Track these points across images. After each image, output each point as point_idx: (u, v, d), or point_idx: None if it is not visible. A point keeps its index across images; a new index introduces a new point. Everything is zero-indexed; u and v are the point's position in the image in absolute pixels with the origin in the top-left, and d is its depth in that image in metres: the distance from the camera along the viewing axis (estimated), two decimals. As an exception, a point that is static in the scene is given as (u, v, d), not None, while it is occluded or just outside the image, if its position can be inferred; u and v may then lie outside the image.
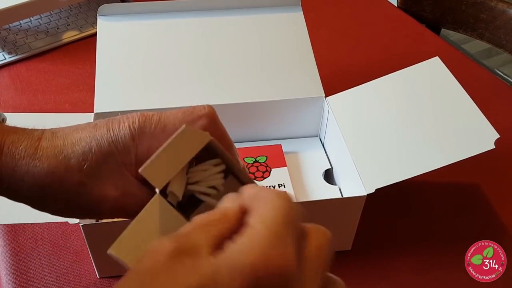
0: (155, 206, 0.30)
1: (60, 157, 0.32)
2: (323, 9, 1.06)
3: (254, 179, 0.60)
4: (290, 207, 0.25)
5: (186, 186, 0.32)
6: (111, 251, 0.29)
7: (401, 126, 0.59)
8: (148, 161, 0.30)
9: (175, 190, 0.31)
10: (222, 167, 0.33)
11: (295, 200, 0.31)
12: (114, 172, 0.33)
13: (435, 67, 0.64)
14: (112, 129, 0.33)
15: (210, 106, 0.35)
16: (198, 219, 0.26)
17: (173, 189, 0.31)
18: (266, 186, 0.59)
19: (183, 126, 0.31)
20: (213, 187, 0.33)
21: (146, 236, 0.29)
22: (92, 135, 0.33)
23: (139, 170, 0.30)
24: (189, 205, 0.33)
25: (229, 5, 0.69)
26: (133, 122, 0.33)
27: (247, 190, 0.27)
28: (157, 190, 0.30)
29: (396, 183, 0.52)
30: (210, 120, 0.34)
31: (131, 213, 0.32)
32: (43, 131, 0.34)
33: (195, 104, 0.64)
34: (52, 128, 0.35)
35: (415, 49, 0.95)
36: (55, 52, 0.88)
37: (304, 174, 0.64)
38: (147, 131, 0.33)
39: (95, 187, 0.33)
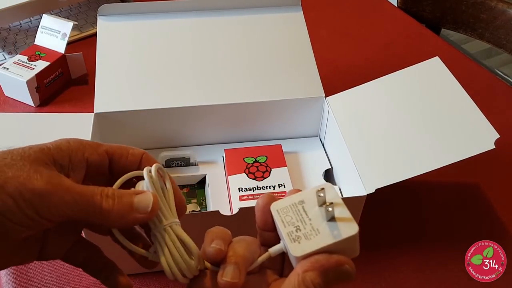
0: None
1: None
2: (323, 9, 1.06)
3: (254, 179, 0.60)
4: None
5: None
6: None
7: (401, 126, 0.59)
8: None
9: None
10: None
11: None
12: (46, 163, 0.31)
13: (435, 67, 0.64)
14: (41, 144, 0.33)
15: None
16: None
17: None
18: (266, 186, 0.59)
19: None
20: None
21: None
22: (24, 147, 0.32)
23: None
24: None
25: (229, 5, 0.69)
26: (60, 140, 0.34)
27: None
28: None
29: (396, 183, 0.52)
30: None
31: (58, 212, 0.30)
32: None
33: (195, 104, 0.64)
34: None
35: (415, 49, 0.95)
36: (55, 52, 0.88)
37: (304, 174, 0.64)
38: (84, 142, 0.34)
39: (28, 167, 0.30)
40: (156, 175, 0.35)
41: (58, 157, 0.32)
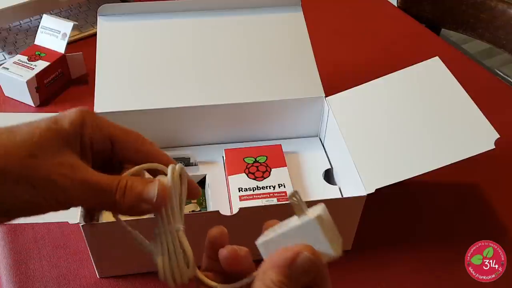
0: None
1: (3, 136, 0.31)
2: (323, 9, 1.06)
3: (254, 179, 0.60)
4: None
5: None
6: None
7: (401, 126, 0.59)
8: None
9: None
10: None
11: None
12: (63, 148, 0.32)
13: (435, 67, 0.64)
14: (55, 117, 0.33)
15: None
16: None
17: None
18: (266, 186, 0.59)
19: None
20: None
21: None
22: (35, 122, 0.32)
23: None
24: None
25: (229, 5, 0.69)
26: (75, 114, 0.33)
27: None
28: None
29: (396, 183, 0.52)
30: None
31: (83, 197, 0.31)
32: None
33: (195, 104, 0.64)
34: None
35: (415, 49, 0.95)
36: (55, 52, 0.88)
37: (304, 174, 0.64)
38: (88, 124, 0.34)
39: (48, 158, 0.31)
40: (178, 176, 0.35)
41: (72, 140, 0.33)
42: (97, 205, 0.33)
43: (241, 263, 0.33)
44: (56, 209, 0.31)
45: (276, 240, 0.32)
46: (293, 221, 0.32)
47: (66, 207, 0.32)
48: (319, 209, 0.31)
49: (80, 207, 0.42)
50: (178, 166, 0.35)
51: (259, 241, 0.32)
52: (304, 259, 0.30)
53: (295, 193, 0.32)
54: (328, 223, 0.31)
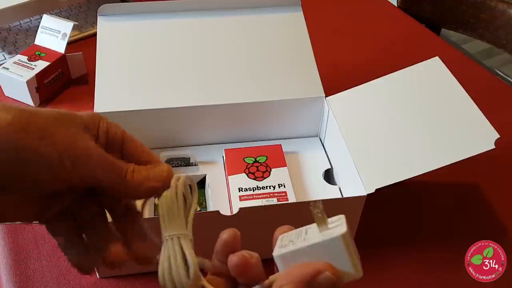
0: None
1: (23, 107, 0.31)
2: (323, 9, 1.06)
3: (254, 179, 0.60)
4: None
5: None
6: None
7: (401, 126, 0.59)
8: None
9: None
10: None
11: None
12: (82, 131, 0.33)
13: (435, 67, 0.64)
14: (72, 112, 0.34)
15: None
16: None
17: None
18: (266, 186, 0.59)
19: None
20: None
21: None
22: (52, 109, 0.33)
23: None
24: None
25: (229, 5, 0.69)
26: (92, 112, 0.35)
27: None
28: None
29: (396, 183, 0.52)
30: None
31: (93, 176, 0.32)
32: None
33: (195, 104, 0.64)
34: None
35: (415, 49, 0.95)
36: (55, 52, 0.88)
37: (304, 174, 0.64)
38: (105, 120, 0.35)
39: (69, 133, 0.32)
40: (182, 187, 0.34)
41: (91, 128, 0.34)
42: (107, 181, 0.33)
43: (251, 271, 0.32)
44: (67, 178, 0.31)
45: (295, 254, 0.31)
46: (315, 235, 0.30)
47: (77, 179, 0.32)
48: (342, 223, 0.30)
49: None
50: (183, 177, 0.35)
51: (276, 253, 0.31)
52: (324, 278, 0.29)
53: (318, 204, 0.30)
54: (350, 240, 0.30)
